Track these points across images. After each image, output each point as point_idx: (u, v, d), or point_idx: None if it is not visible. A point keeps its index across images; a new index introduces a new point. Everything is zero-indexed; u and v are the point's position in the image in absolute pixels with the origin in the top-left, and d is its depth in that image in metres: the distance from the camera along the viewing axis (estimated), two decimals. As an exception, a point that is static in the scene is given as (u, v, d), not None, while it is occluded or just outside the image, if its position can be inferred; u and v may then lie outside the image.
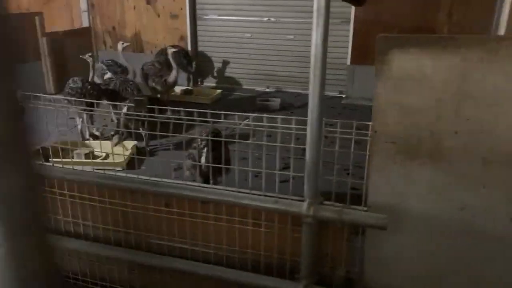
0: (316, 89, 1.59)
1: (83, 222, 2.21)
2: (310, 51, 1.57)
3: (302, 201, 1.74)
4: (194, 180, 2.69)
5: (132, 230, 2.12)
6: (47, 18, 6.35)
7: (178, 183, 1.94)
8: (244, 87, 6.47)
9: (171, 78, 4.99)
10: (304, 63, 5.72)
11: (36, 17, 5.62)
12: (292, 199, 1.78)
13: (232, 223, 1.94)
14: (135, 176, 2.00)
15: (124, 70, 5.00)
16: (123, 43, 5.07)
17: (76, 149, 3.55)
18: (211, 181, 2.74)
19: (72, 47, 5.93)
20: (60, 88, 5.40)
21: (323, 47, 1.55)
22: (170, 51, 4.97)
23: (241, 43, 6.32)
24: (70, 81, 4.08)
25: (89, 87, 4.08)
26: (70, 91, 3.99)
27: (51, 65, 5.78)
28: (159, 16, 6.37)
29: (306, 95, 1.67)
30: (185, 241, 2.05)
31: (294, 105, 5.60)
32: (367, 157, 1.71)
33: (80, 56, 4.51)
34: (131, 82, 4.45)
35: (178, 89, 5.96)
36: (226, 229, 1.96)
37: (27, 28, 5.63)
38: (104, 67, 5.05)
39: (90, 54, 4.53)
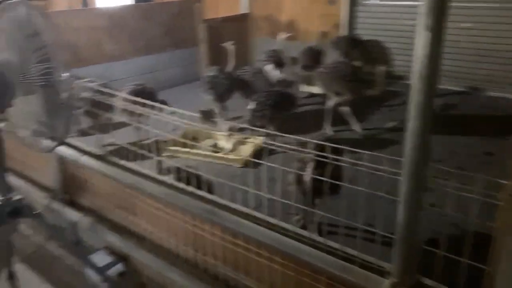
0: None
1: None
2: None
3: (384, 275, 1.22)
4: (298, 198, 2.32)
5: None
6: (211, 4, 6.60)
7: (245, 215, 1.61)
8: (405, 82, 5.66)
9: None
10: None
11: (196, 4, 5.84)
12: (372, 265, 1.28)
13: (301, 275, 1.53)
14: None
15: (284, 62, 4.74)
16: (284, 33, 4.72)
17: (198, 140, 3.52)
18: (314, 202, 2.34)
19: (229, 34, 6.02)
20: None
21: None
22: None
23: (405, 31, 5.49)
24: (209, 69, 4.07)
25: (222, 77, 4.00)
26: (206, 79, 3.99)
27: (207, 51, 5.99)
28: (316, 1, 5.99)
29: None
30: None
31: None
32: (493, 231, 1.09)
33: (221, 44, 4.48)
34: (261, 75, 4.23)
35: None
36: (294, 280, 1.56)
37: (186, 15, 5.92)
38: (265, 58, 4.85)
39: (232, 42, 4.46)
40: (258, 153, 3.71)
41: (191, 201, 1.76)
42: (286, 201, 1.63)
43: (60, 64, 1.74)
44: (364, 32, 5.82)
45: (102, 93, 2.22)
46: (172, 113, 2.05)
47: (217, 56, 5.50)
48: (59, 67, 1.72)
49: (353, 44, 5.01)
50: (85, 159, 2.18)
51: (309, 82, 5.46)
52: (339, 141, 4.12)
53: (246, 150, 3.63)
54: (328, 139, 3.92)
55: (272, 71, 4.78)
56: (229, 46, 4.45)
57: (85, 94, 2.43)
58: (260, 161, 1.64)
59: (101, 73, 5.03)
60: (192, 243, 1.98)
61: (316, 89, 5.46)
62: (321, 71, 4.20)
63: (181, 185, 1.94)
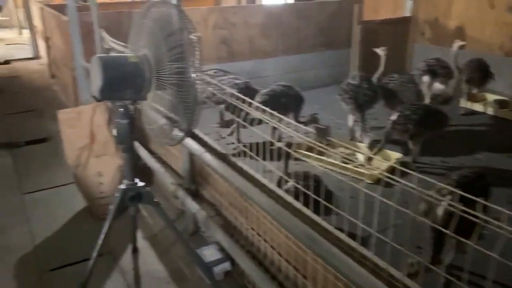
0: None
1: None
2: None
3: None
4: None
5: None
6: (372, 5, 6.28)
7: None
8: None
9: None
10: None
11: (356, 4, 5.61)
12: None
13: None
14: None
15: (448, 73, 4.27)
16: (458, 42, 4.20)
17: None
18: (443, 243, 2.03)
19: (386, 38, 5.66)
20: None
21: None
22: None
23: None
24: (351, 76, 3.86)
25: (365, 86, 3.74)
26: (346, 87, 3.79)
27: (359, 53, 5.73)
28: (493, 7, 5.20)
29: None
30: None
31: None
32: None
33: (373, 49, 4.20)
34: (412, 85, 3.82)
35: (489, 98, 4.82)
36: None
37: (343, 15, 5.73)
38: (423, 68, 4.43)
39: (384, 48, 4.15)
40: (393, 170, 3.38)
41: (295, 221, 1.64)
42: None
43: (194, 63, 1.77)
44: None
45: (238, 96, 2.23)
46: (288, 124, 1.95)
47: (369, 60, 5.20)
48: (193, 67, 1.76)
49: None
50: (207, 156, 2.23)
51: (473, 98, 4.81)
52: (493, 171, 3.53)
53: (381, 165, 3.34)
54: (482, 167, 3.39)
55: (429, 83, 4.32)
56: (381, 52, 4.15)
57: (228, 90, 2.48)
58: (396, 180, 1.41)
59: (251, 69, 5.22)
60: (294, 261, 1.87)
61: (478, 107, 4.77)
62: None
63: (289, 198, 1.83)
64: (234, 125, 3.87)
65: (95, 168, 2.99)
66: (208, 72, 3.84)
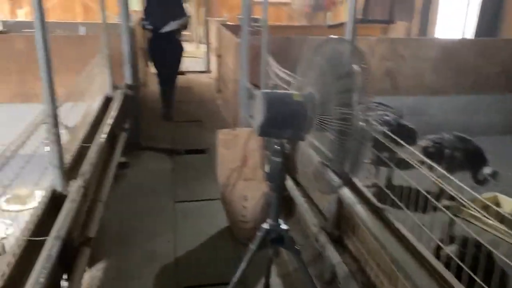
0: None
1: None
2: None
3: None
4: None
5: None
6: None
7: None
8: None
9: None
10: None
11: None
12: None
13: None
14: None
15: None
16: None
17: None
18: None
19: None
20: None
21: None
22: None
23: None
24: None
25: None
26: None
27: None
28: None
29: None
30: None
31: None
32: None
33: None
34: None
35: None
36: None
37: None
38: None
39: None
40: None
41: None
42: None
43: (362, 108, 1.60)
44: None
45: (392, 137, 2.00)
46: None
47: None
48: (360, 112, 1.59)
49: None
50: (359, 209, 2.01)
51: None
52: None
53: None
54: None
55: None
56: None
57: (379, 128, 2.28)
58: None
59: (415, 105, 4.80)
60: None
61: None
62: None
63: (449, 276, 1.50)
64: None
65: (241, 191, 3.02)
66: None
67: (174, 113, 5.74)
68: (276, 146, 1.76)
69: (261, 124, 1.64)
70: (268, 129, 1.68)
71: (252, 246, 1.87)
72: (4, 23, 8.72)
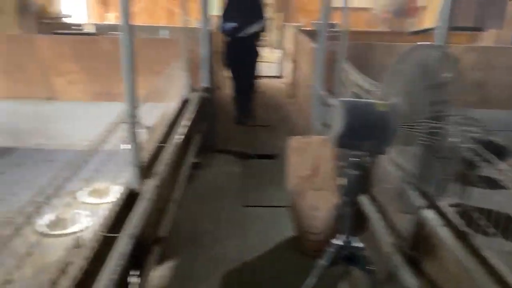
0: None
1: None
2: None
3: None
4: None
5: None
6: None
7: None
8: None
9: None
10: None
11: None
12: None
13: None
14: None
15: None
16: None
17: None
18: None
19: None
20: None
21: None
22: None
23: None
24: None
25: None
26: None
27: None
28: None
29: None
30: None
31: None
32: None
33: None
34: None
35: None
36: None
37: None
38: None
39: None
40: None
41: None
42: None
43: (453, 122, 1.46)
44: None
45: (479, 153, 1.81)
46: None
47: None
48: (451, 126, 1.45)
49: None
50: (442, 231, 1.84)
51: None
52: None
53: None
54: None
55: None
56: None
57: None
58: None
59: (507, 120, 4.39)
60: None
61: None
62: None
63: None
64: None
65: (311, 201, 2.92)
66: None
67: (251, 118, 5.72)
68: (353, 159, 1.66)
69: (339, 134, 1.55)
70: (346, 140, 1.59)
71: (322, 262, 1.78)
72: (96, 26, 9.39)
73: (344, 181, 1.68)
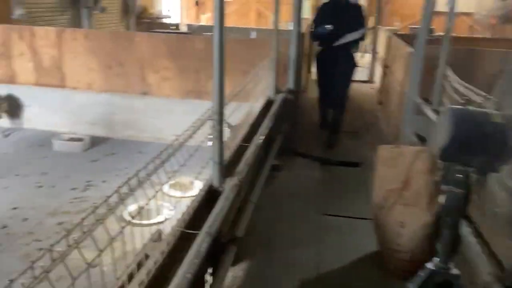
0: None
1: None
2: None
3: None
4: None
5: None
6: None
7: None
8: None
9: None
10: None
11: None
12: None
13: None
14: None
15: None
16: None
17: None
18: None
19: None
20: None
21: None
22: None
23: None
24: None
25: None
26: None
27: None
28: None
29: None
30: None
31: None
32: None
33: None
34: None
35: None
36: None
37: None
38: None
39: None
40: None
41: None
42: None
43: None
44: None
45: None
46: None
47: None
48: None
49: None
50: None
51: None
52: None
53: None
54: None
55: None
56: None
57: None
58: None
59: None
60: None
61: None
62: None
63: None
64: None
65: (398, 217, 2.69)
66: None
67: (338, 140, 5.09)
68: (458, 175, 1.46)
69: (445, 146, 1.37)
70: (452, 154, 1.40)
71: (411, 287, 1.60)
72: (189, 26, 9.81)
73: (444, 199, 1.49)
